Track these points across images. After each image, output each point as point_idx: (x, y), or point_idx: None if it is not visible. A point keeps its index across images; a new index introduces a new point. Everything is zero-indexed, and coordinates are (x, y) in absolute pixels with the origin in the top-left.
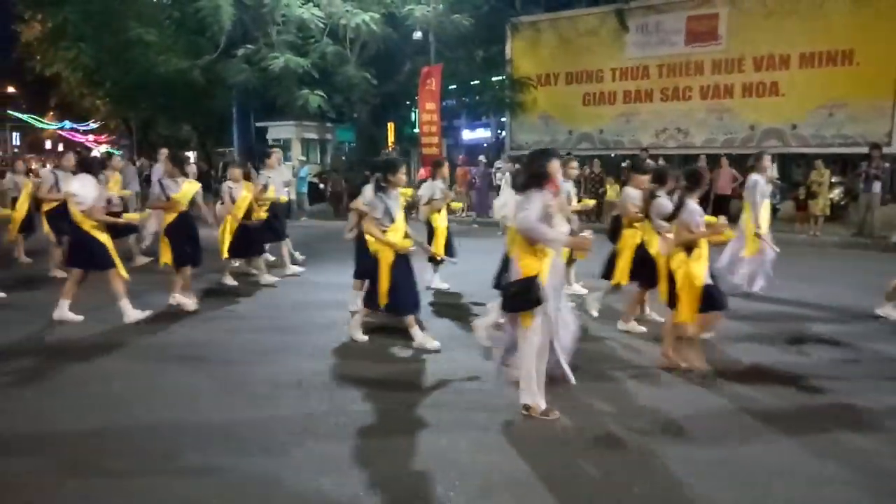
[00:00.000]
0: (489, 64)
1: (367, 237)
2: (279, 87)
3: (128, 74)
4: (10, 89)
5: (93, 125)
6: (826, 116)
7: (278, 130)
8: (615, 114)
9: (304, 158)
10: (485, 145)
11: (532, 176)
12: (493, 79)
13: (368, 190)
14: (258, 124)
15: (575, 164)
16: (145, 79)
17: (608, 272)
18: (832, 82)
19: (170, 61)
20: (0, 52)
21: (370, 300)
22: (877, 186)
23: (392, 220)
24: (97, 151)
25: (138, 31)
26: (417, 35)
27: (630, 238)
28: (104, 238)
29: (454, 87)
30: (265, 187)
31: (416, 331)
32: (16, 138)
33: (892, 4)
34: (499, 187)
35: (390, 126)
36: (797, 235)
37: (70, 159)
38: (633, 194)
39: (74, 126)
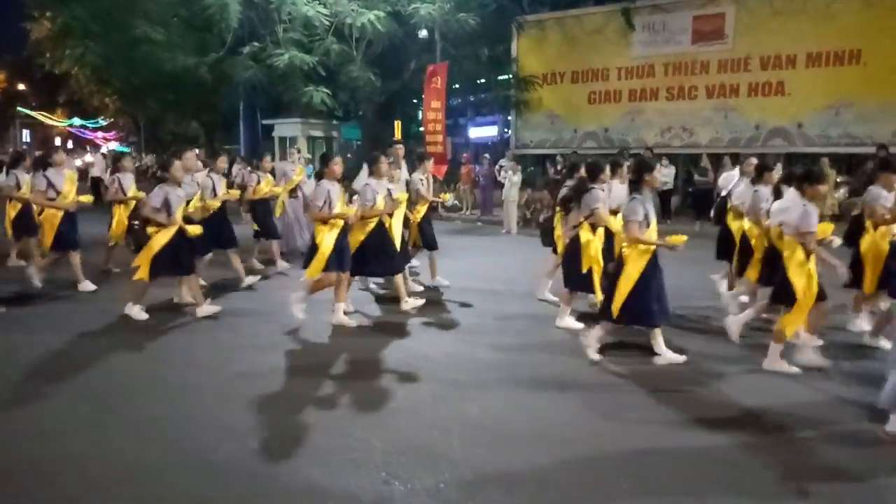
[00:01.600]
0: (495, 62)
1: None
2: (285, 84)
3: (135, 72)
4: (21, 86)
5: (101, 122)
6: (832, 116)
7: (284, 128)
8: (620, 112)
9: (309, 156)
10: (490, 143)
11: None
12: (499, 77)
13: (362, 175)
14: (264, 122)
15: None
16: (153, 76)
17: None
18: (839, 82)
19: (177, 59)
20: (10, 50)
21: (606, 313)
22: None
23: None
24: (106, 149)
25: (145, 29)
26: (423, 33)
27: (876, 243)
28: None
29: (460, 85)
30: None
31: (659, 343)
32: (26, 135)
33: None
34: (502, 185)
35: (397, 124)
36: None
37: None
38: (883, 194)
39: (84, 123)
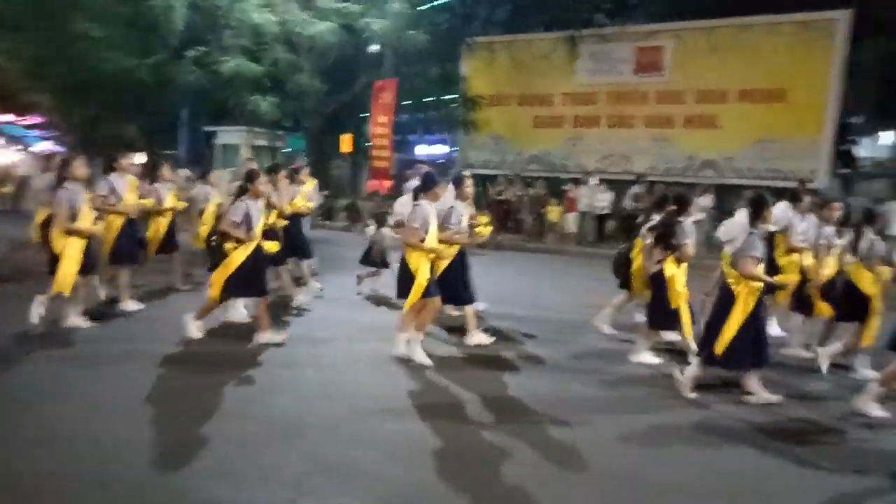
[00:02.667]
0: (444, 81)
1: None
2: (230, 91)
3: (73, 70)
4: None
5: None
6: (760, 150)
7: (227, 136)
8: (563, 137)
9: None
10: (439, 162)
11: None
12: (448, 96)
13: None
14: (207, 128)
15: (470, 182)
16: (91, 75)
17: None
18: (766, 118)
19: (117, 59)
20: None
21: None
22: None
23: (250, 228)
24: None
25: (84, 25)
26: (374, 48)
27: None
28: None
29: (408, 102)
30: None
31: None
32: None
33: (822, 49)
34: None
35: (343, 137)
36: None
37: None
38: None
39: (13, 121)
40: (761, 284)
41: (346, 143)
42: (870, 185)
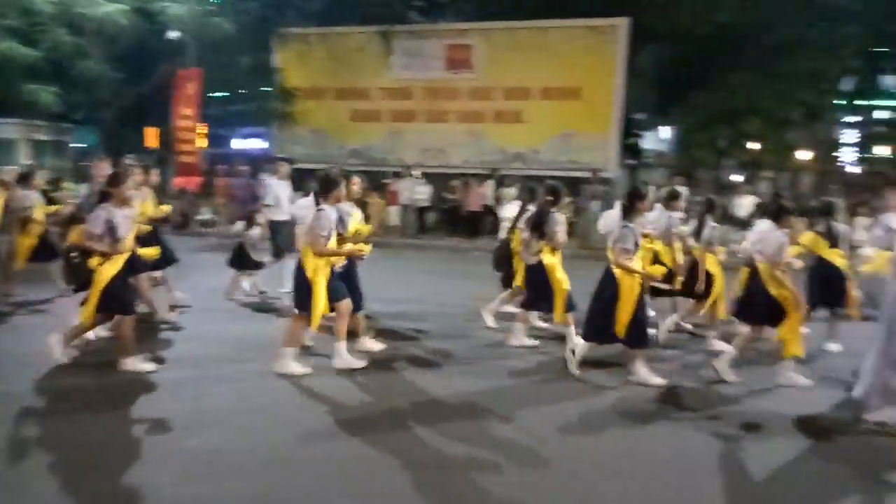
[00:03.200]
0: (257, 72)
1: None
2: None
3: None
4: None
5: None
6: (560, 144)
7: (1, 129)
8: (383, 131)
9: (32, 163)
10: (254, 157)
11: None
12: (262, 88)
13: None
14: None
15: (358, 180)
16: None
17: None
18: (565, 114)
19: None
20: None
21: (594, 332)
22: (594, 206)
23: (116, 240)
24: None
25: None
26: (173, 35)
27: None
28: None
29: (218, 94)
30: None
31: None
32: None
33: (609, 52)
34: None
35: (148, 131)
36: None
37: None
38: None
39: None
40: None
41: (150, 137)
42: (651, 173)
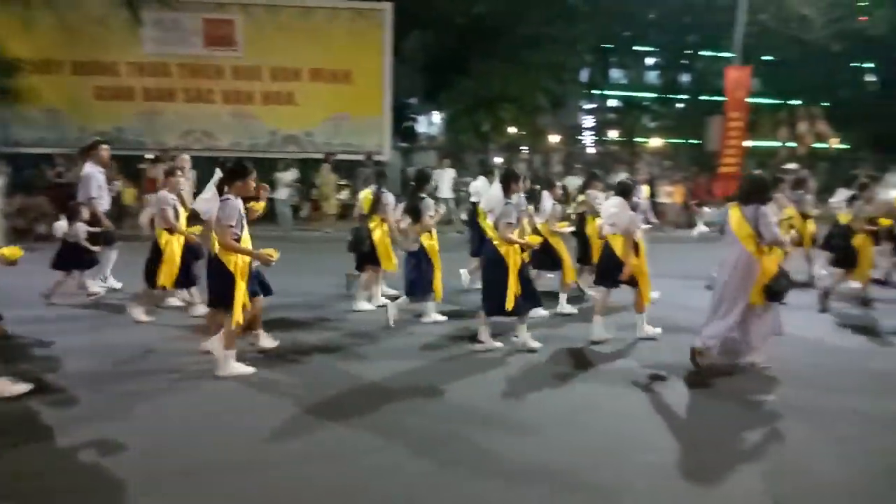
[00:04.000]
0: None
1: None
2: None
3: None
4: None
5: None
6: (334, 127)
7: None
8: (136, 112)
9: None
10: None
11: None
12: None
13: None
14: None
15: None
16: None
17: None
18: (337, 97)
19: None
20: None
21: (495, 308)
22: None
23: None
24: None
25: None
26: None
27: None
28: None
29: None
30: None
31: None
32: None
33: (375, 36)
34: None
35: None
36: (313, 233)
37: None
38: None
39: None
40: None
41: None
42: (424, 155)
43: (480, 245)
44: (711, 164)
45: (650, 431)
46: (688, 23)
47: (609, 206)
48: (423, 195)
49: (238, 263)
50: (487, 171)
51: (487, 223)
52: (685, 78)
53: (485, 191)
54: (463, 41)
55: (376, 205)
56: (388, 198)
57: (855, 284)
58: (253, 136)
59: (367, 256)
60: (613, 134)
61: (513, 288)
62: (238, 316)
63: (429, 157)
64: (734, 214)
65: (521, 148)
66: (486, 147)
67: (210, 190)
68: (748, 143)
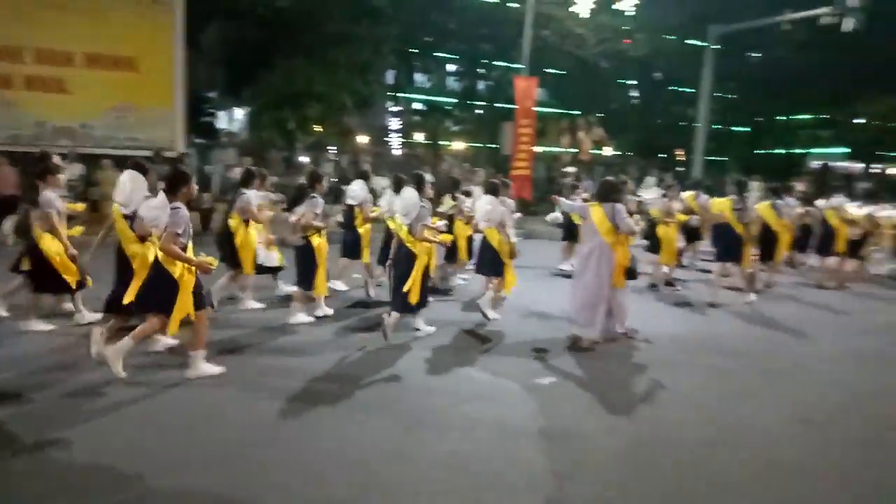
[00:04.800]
0: None
1: None
2: None
3: None
4: None
5: None
6: (117, 119)
7: None
8: None
9: None
10: None
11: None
12: None
13: None
14: None
15: None
16: None
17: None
18: (120, 86)
19: None
20: None
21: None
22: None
23: None
24: None
25: None
26: None
27: None
28: None
29: None
30: None
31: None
32: None
33: (166, 24)
34: None
35: None
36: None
37: None
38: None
39: None
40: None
41: None
42: (223, 153)
43: (354, 247)
44: (507, 167)
45: (558, 388)
46: (484, 33)
47: (483, 203)
48: (315, 194)
49: (184, 272)
50: (363, 175)
51: (400, 224)
52: (483, 85)
53: (362, 194)
54: (266, 35)
55: (233, 204)
56: (249, 198)
57: (665, 268)
58: (16, 126)
59: (229, 259)
60: (419, 136)
61: (418, 284)
62: (175, 325)
63: (228, 154)
64: (596, 212)
65: (328, 147)
66: (292, 145)
67: (162, 197)
68: (537, 148)
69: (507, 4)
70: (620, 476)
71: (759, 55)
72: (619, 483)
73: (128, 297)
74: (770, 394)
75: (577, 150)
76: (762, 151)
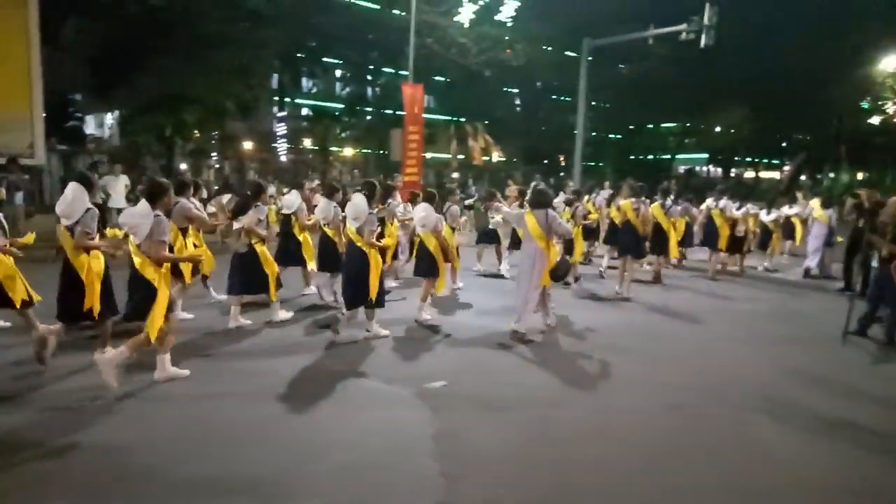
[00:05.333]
0: None
1: None
2: None
3: None
4: None
5: None
6: None
7: None
8: None
9: None
10: None
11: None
12: None
13: None
14: None
15: None
16: None
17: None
18: None
19: None
20: None
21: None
22: (19, 198)
23: None
24: None
25: None
26: None
27: None
28: None
29: None
30: None
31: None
32: None
33: (19, 22)
34: None
35: None
36: None
37: None
38: None
39: None
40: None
41: None
42: (91, 159)
43: (296, 254)
44: (397, 173)
45: (450, 391)
46: (370, 39)
47: (419, 210)
48: (259, 203)
49: (162, 279)
50: (298, 185)
51: (351, 229)
52: (371, 91)
53: (296, 203)
54: (138, 34)
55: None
56: (187, 205)
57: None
58: None
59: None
60: (308, 142)
61: (374, 283)
62: (155, 333)
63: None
64: (530, 220)
65: (211, 154)
66: (171, 151)
67: (145, 206)
68: (427, 155)
69: (393, 11)
70: (510, 474)
71: (630, 67)
72: (508, 482)
73: (87, 304)
74: (645, 382)
75: (464, 157)
76: (635, 157)
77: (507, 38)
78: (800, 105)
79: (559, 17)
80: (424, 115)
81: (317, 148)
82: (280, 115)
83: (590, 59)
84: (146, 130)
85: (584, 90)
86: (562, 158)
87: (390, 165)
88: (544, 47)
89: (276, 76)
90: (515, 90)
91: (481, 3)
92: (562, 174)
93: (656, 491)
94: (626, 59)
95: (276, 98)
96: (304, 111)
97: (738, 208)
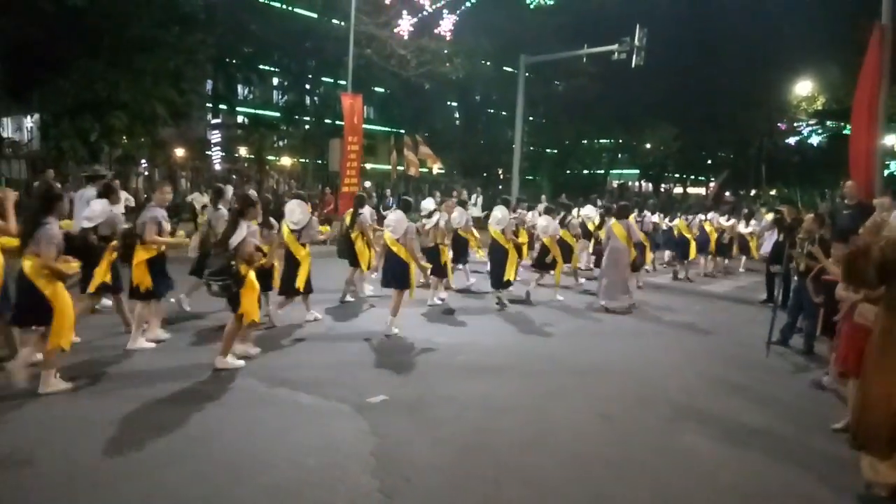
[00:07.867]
0: None
1: None
2: None
3: None
4: None
5: None
6: None
7: None
8: None
9: None
10: None
11: None
12: None
13: None
14: None
15: None
16: None
17: None
18: None
19: None
20: None
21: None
22: None
23: None
24: None
25: None
26: None
27: None
28: None
29: None
30: None
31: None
32: None
33: None
34: None
35: None
36: None
37: None
38: None
39: None
40: None
41: None
42: (11, 165)
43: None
44: (336, 183)
45: (388, 406)
46: (308, 48)
47: (390, 220)
48: (220, 207)
49: (56, 286)
50: (217, 193)
51: (288, 231)
52: (309, 101)
53: (209, 210)
54: (60, 36)
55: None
56: (152, 213)
57: None
58: None
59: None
60: (243, 150)
61: (304, 276)
62: (69, 337)
63: (18, 167)
64: (617, 227)
65: (140, 161)
66: (97, 158)
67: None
68: (367, 165)
69: (332, 21)
70: (446, 487)
71: (565, 84)
72: (444, 496)
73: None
74: (578, 393)
75: (403, 168)
76: (570, 172)
77: (445, 51)
78: (724, 125)
79: (497, 34)
80: (364, 126)
81: (252, 157)
82: (214, 122)
83: (527, 74)
84: (70, 136)
85: (522, 105)
86: (500, 171)
87: (328, 176)
88: (483, 62)
89: (210, 82)
90: (455, 103)
91: (420, 15)
92: (500, 186)
93: (589, 501)
94: (562, 76)
95: (211, 105)
96: (241, 119)
97: (727, 220)
